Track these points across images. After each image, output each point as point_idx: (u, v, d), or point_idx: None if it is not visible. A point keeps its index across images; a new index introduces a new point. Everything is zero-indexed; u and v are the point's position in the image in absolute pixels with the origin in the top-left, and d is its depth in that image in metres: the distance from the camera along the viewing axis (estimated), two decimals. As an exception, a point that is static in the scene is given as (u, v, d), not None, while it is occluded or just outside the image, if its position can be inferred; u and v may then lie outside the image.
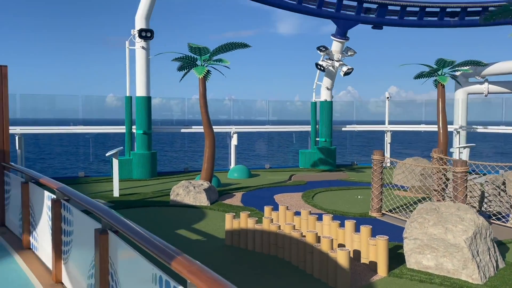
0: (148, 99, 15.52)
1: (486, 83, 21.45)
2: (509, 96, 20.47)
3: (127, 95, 15.41)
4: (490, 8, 18.06)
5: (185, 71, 12.14)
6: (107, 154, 11.65)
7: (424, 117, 21.75)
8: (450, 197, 9.57)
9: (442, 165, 10.33)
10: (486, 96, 21.97)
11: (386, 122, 20.73)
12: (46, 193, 5.65)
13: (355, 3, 17.99)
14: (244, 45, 11.72)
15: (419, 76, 16.20)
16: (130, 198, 11.43)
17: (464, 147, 15.84)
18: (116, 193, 11.56)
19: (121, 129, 15.91)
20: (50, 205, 5.31)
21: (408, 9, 18.31)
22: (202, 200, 10.73)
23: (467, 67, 15.98)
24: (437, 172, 10.33)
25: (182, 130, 17.55)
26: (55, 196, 5.14)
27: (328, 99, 19.22)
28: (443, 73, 15.91)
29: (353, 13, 18.09)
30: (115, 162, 11.47)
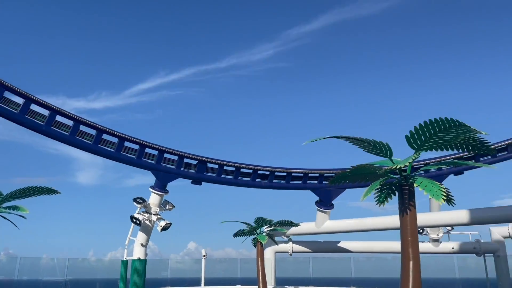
0: None
1: (290, 243, 22.89)
2: (315, 255, 22.02)
3: None
4: (310, 175, 20.37)
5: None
6: None
7: (240, 274, 21.32)
8: None
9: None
10: (290, 255, 23.25)
11: (202, 283, 19.33)
12: None
13: (176, 157, 17.86)
14: (52, 191, 9.49)
15: (239, 234, 16.09)
16: None
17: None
18: None
19: None
20: None
21: (226, 168, 19.11)
22: None
23: (282, 227, 16.75)
24: None
25: None
26: None
27: (142, 257, 17.06)
28: (261, 232, 16.20)
29: (173, 167, 17.77)
30: None
